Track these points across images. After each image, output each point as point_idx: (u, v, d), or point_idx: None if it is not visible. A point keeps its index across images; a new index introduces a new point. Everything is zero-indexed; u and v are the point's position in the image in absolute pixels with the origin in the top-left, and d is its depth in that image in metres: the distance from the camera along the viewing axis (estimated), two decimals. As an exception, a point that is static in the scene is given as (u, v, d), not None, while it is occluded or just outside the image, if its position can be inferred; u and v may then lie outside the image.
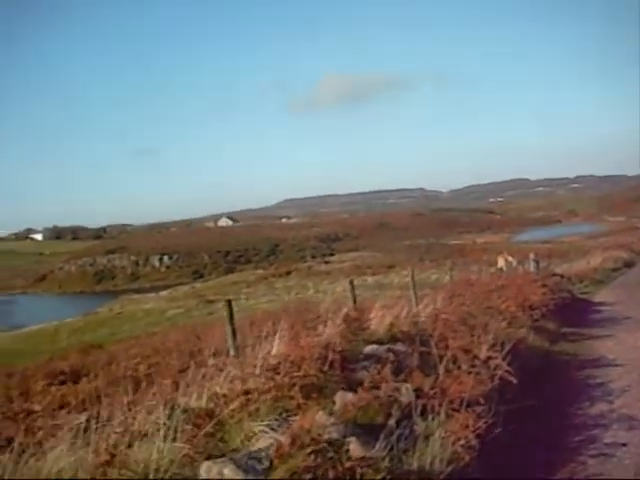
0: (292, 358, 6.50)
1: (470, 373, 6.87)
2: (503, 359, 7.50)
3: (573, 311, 18.49)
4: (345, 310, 8.29)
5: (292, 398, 6.02)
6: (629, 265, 51.16)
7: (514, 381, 7.23)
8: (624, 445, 6.80)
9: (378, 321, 9.28)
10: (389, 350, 7.42)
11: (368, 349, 7.54)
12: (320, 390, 6.23)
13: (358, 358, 7.33)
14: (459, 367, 6.97)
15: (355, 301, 12.55)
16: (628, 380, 9.44)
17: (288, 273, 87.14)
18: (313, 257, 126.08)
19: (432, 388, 6.27)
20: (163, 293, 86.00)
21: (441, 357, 7.10)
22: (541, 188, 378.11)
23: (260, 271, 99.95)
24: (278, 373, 6.25)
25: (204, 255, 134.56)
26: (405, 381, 6.57)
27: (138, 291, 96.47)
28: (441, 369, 6.70)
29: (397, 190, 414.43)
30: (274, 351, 7.12)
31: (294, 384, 6.10)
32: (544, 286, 17.22)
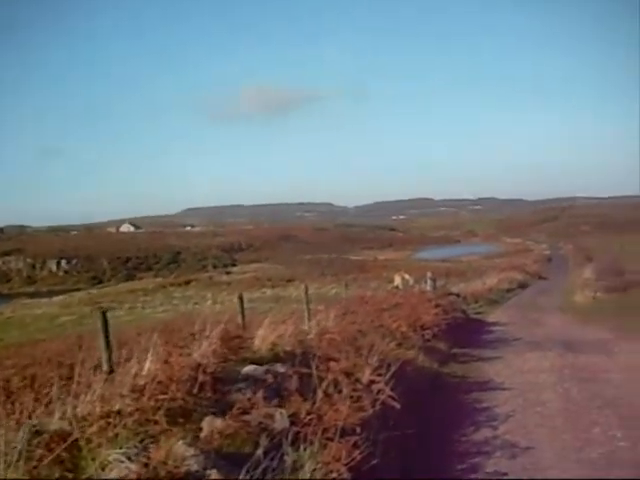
0: (161, 378, 5.99)
1: (352, 398, 6.52)
2: (387, 383, 7.19)
3: (466, 331, 18.56)
4: (222, 326, 7.80)
5: (156, 423, 5.51)
6: (523, 286, 52.63)
7: (397, 406, 6.92)
8: (505, 474, 6.61)
9: (262, 338, 8.83)
10: (268, 371, 6.97)
11: (247, 370, 7.07)
12: (188, 415, 5.74)
13: (236, 379, 6.87)
14: (340, 391, 6.60)
15: (244, 316, 12.06)
16: (513, 405, 9.33)
17: (187, 283, 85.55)
18: (215, 267, 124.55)
19: (309, 414, 5.88)
20: (57, 298, 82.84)
21: (322, 380, 6.72)
22: (444, 208, 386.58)
23: (159, 279, 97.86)
24: (144, 395, 5.72)
25: (104, 261, 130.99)
26: (281, 406, 6.16)
27: (33, 295, 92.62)
28: (319, 394, 6.30)
29: (304, 204, 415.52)
30: (145, 370, 6.58)
31: (159, 408, 5.59)
32: (438, 306, 17.18)
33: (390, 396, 6.94)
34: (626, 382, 10.67)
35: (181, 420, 5.62)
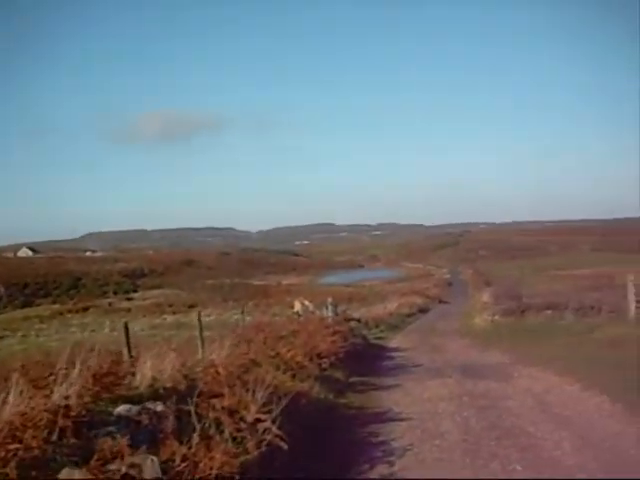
0: (16, 424, 5.24)
1: (234, 439, 5.91)
2: (275, 420, 6.62)
3: (365, 358, 18.21)
4: (94, 360, 7.04)
5: (7, 477, 4.77)
6: (423, 310, 53.19)
7: (284, 447, 6.34)
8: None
9: (143, 373, 8.10)
10: (143, 411, 6.27)
11: (120, 410, 6.34)
12: (44, 466, 5.01)
13: (107, 421, 6.14)
14: (221, 432, 5.98)
15: (130, 347, 11.24)
16: (411, 437, 8.89)
17: (85, 309, 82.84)
18: (115, 293, 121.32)
19: (183, 460, 5.24)
20: (-54, 327, 78.54)
21: (202, 420, 6.09)
22: (345, 233, 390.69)
23: (57, 306, 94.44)
24: (-8, 444, 4.96)
25: (0, 286, 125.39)
26: (154, 451, 5.49)
27: None
28: (196, 436, 5.67)
29: (207, 228, 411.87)
30: (6, 414, 5.77)
31: (10, 459, 4.85)
32: (336, 332, 16.74)
33: (277, 435, 6.36)
34: (525, 409, 10.41)
35: (35, 473, 4.89)
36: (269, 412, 6.84)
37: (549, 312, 28.97)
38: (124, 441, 5.25)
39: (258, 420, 6.51)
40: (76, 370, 6.59)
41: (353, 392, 12.72)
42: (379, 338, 29.67)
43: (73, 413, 5.44)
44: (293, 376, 10.86)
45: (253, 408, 6.69)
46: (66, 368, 7.07)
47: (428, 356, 20.21)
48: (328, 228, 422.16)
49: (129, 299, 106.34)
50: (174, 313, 72.32)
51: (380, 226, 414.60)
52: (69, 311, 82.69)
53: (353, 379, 14.39)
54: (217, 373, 7.87)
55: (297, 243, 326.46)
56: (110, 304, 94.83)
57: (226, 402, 6.57)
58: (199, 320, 15.02)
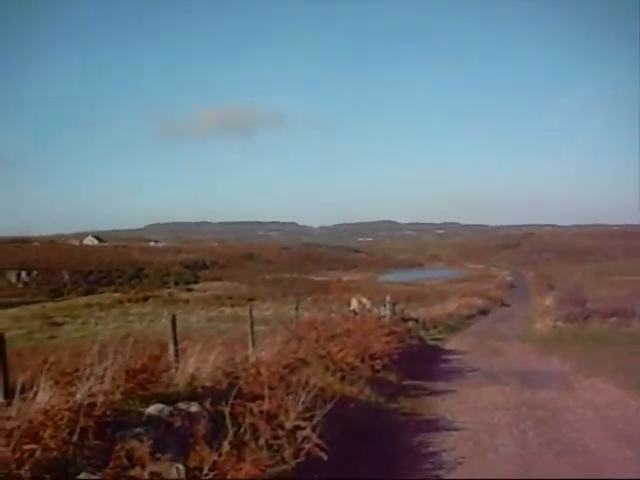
0: (36, 423, 4.97)
1: (271, 447, 5.55)
2: (315, 427, 6.22)
3: (420, 360, 17.68)
4: (127, 354, 6.75)
5: (20, 478, 4.51)
6: (483, 312, 52.16)
7: (324, 457, 5.95)
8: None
9: (183, 370, 7.81)
10: (175, 412, 5.94)
11: (151, 410, 6.03)
12: (62, 468, 4.73)
13: (138, 422, 5.83)
14: (257, 439, 5.62)
15: (176, 341, 10.99)
16: (463, 449, 8.40)
17: (145, 299, 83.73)
18: (176, 284, 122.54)
19: (213, 469, 4.89)
20: (12, 311, 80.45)
21: (237, 424, 5.74)
22: (409, 232, 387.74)
23: (117, 294, 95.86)
24: (8, 444, 4.70)
25: (65, 274, 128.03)
26: (184, 456, 5.16)
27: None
28: (226, 443, 5.32)
29: (269, 222, 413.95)
30: (32, 410, 5.50)
31: (25, 460, 4.58)
32: (391, 333, 16.25)
33: (317, 445, 5.97)
34: (587, 424, 9.80)
35: (49, 476, 4.61)
36: (311, 418, 6.45)
37: (614, 319, 28.01)
38: (146, 445, 4.92)
39: (298, 427, 6.14)
40: (103, 366, 6.29)
41: (405, 396, 12.25)
42: (436, 339, 29.05)
43: (97, 413, 5.13)
44: (343, 378, 10.47)
45: (293, 414, 6.31)
46: (76, 369, 6.78)
47: (486, 360, 19.58)
48: (391, 226, 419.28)
49: (189, 290, 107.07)
50: (232, 306, 72.46)
51: (443, 225, 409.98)
52: (129, 300, 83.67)
53: (406, 382, 13.91)
54: (258, 373, 7.51)
55: (359, 240, 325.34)
56: (170, 294, 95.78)
57: (265, 406, 6.21)
58: (250, 314, 14.76)
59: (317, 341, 14.19)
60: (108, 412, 5.29)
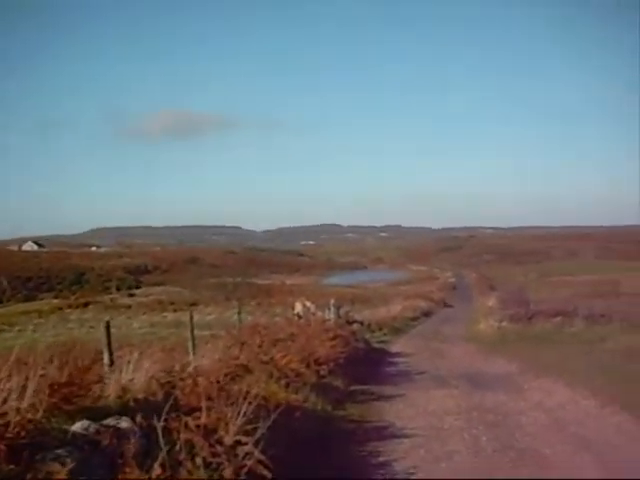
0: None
1: (210, 465, 5.02)
2: (258, 442, 5.69)
3: (366, 364, 17.31)
4: (55, 365, 6.14)
5: None
6: (427, 314, 52.25)
7: (268, 475, 5.43)
8: None
9: (116, 380, 7.20)
10: (102, 429, 5.35)
11: (77, 427, 5.44)
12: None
13: (62, 441, 5.22)
14: (193, 457, 5.08)
15: (111, 351, 10.34)
16: (414, 458, 7.98)
17: (86, 305, 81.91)
18: (118, 289, 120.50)
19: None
20: (-55, 320, 77.79)
21: (173, 442, 5.19)
22: (351, 234, 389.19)
23: (57, 301, 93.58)
24: None
25: (3, 280, 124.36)
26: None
27: None
28: (157, 466, 4.76)
29: (213, 227, 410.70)
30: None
31: None
32: (336, 337, 15.81)
33: (260, 461, 5.45)
34: (540, 428, 9.48)
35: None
36: (253, 431, 5.92)
37: (558, 319, 28.04)
38: (67, 468, 4.35)
39: (238, 442, 5.60)
40: (23, 377, 5.65)
41: (353, 402, 11.79)
42: (382, 342, 28.76)
43: (9, 434, 4.53)
44: (287, 385, 9.97)
45: (233, 428, 5.77)
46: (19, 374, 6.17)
47: (432, 363, 19.32)
48: (334, 229, 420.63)
49: (131, 295, 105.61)
50: (175, 311, 71.35)
51: (386, 228, 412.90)
52: (69, 306, 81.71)
53: (353, 387, 13.48)
54: (196, 384, 6.96)
55: (302, 243, 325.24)
56: (112, 300, 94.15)
57: (202, 419, 5.66)
58: (191, 319, 14.18)
59: (260, 346, 13.65)
60: (23, 433, 4.68)
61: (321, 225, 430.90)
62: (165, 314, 68.88)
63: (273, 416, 6.83)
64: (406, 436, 9.15)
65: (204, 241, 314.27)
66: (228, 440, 5.58)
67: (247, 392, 7.09)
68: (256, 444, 5.61)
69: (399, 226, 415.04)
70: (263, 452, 5.63)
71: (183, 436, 5.25)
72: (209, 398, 6.87)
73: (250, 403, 6.80)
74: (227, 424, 5.80)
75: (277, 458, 6.00)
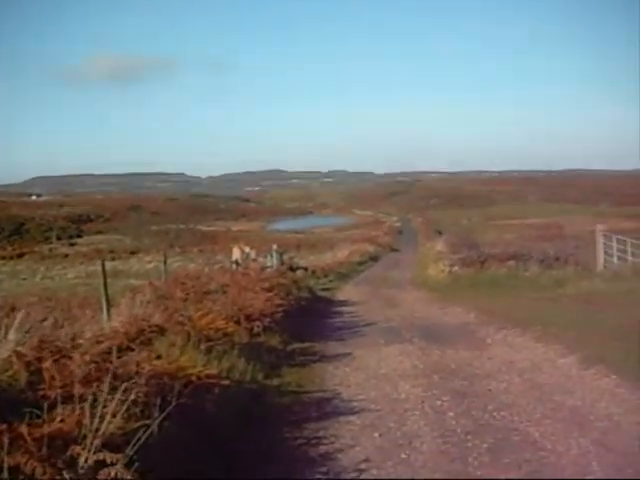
0: None
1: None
2: (132, 458, 3.80)
3: (309, 316, 15.58)
4: None
5: None
6: (374, 259, 50.98)
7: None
8: None
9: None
10: None
11: None
12: None
13: None
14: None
15: None
16: (366, 447, 6.18)
17: (20, 256, 78.55)
18: (59, 239, 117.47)
19: None
20: None
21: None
22: (296, 180, 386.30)
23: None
24: None
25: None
26: None
27: None
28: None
29: (156, 174, 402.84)
30: None
31: None
32: (275, 286, 13.97)
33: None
34: (517, 397, 7.74)
35: None
36: (134, 434, 4.04)
37: (511, 263, 26.69)
38: None
39: (102, 463, 3.68)
40: None
41: (290, 366, 9.88)
42: (327, 289, 27.15)
43: None
44: (209, 350, 8.07)
45: (96, 441, 3.82)
46: None
47: (382, 312, 17.70)
48: (278, 175, 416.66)
49: (72, 245, 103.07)
50: (113, 259, 68.71)
51: (330, 173, 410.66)
52: (3, 257, 78.19)
53: (293, 346, 11.61)
54: (67, 362, 5.00)
55: (247, 189, 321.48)
56: (50, 250, 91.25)
57: (46, 428, 3.74)
58: (103, 269, 12.15)
59: (186, 300, 11.79)
60: None
61: (266, 171, 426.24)
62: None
63: (175, 402, 5.00)
64: (354, 412, 7.35)
65: (148, 189, 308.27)
66: (85, 461, 3.66)
67: (136, 372, 5.22)
68: (130, 462, 3.71)
69: (344, 171, 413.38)
70: (145, 469, 3.75)
71: (8, 459, 3.33)
72: (87, 382, 4.97)
73: (146, 383, 4.97)
74: (86, 436, 3.85)
75: (176, 462, 4.16)
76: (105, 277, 11.86)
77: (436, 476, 5.42)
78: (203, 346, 8.07)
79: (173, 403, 5.03)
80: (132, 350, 6.81)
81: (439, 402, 7.68)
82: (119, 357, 6.06)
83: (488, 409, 7.28)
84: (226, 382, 6.59)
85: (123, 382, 4.88)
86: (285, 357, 10.47)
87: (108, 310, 10.79)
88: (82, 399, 4.57)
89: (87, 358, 5.17)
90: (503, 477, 5.22)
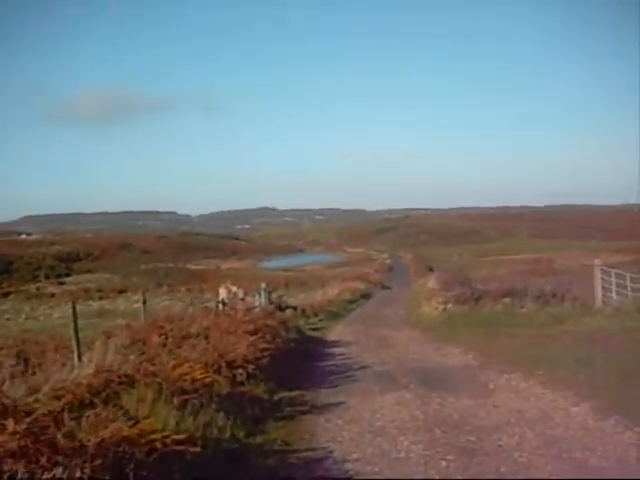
0: None
1: None
2: None
3: (298, 360, 14.60)
4: None
5: None
6: (365, 296, 50.09)
7: None
8: None
9: None
10: None
11: None
12: None
13: None
14: None
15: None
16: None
17: (5, 295, 77.46)
18: (47, 277, 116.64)
19: None
20: None
21: None
22: (287, 218, 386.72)
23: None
24: None
25: None
26: None
27: None
28: None
29: (147, 212, 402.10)
30: None
31: None
32: (261, 328, 13.04)
33: None
34: (533, 457, 6.79)
35: None
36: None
37: (507, 300, 25.84)
38: None
39: None
40: None
41: (276, 419, 8.91)
42: (318, 329, 26.17)
43: None
44: (183, 404, 7.16)
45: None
46: None
47: (376, 353, 16.77)
48: (270, 212, 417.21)
49: (61, 284, 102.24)
50: (101, 299, 67.85)
51: (322, 211, 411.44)
52: (-11, 297, 77.08)
53: (280, 394, 10.63)
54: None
55: (238, 227, 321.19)
56: (38, 289, 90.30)
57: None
58: (74, 311, 11.25)
59: (164, 345, 10.89)
60: None
61: (257, 209, 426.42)
62: (90, 302, 65.26)
63: (132, 476, 4.10)
64: (347, 476, 6.44)
65: (138, 227, 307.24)
66: None
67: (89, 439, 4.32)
68: None
69: (335, 209, 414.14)
70: None
71: None
72: (23, 454, 4.08)
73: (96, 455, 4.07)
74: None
75: None
76: (76, 319, 11.00)
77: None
78: (177, 400, 7.16)
79: (130, 478, 4.15)
80: (94, 407, 5.92)
81: (444, 463, 6.76)
82: (75, 418, 5.20)
83: (502, 471, 6.36)
84: (197, 449, 5.64)
85: (67, 456, 4.00)
86: (271, 408, 9.51)
87: (79, 356, 9.95)
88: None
89: (23, 426, 4.27)
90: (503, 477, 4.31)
